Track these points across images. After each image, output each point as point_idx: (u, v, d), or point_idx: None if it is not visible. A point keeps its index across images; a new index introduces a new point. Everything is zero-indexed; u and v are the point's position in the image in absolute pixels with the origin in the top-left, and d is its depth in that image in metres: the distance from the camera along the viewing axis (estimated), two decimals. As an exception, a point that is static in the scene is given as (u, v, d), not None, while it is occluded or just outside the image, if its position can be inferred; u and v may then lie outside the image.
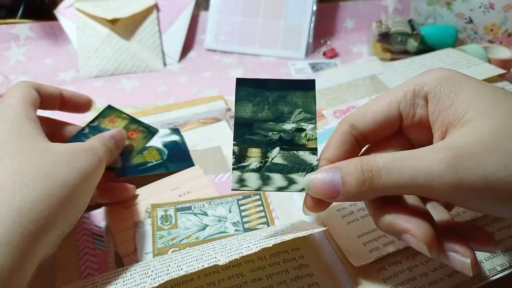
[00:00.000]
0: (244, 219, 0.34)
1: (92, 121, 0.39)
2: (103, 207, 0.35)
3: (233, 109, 0.48)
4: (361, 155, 0.27)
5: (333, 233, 0.32)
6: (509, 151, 0.20)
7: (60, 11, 0.66)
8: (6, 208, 0.22)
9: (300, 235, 0.26)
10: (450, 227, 0.26)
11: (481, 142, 0.21)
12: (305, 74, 0.64)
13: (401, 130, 0.27)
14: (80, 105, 0.37)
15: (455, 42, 0.63)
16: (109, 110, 0.41)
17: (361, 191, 0.23)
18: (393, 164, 0.22)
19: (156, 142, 0.42)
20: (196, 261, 0.25)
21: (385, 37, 0.64)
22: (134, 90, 0.61)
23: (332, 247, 0.31)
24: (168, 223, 0.33)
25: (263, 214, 0.35)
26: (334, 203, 0.34)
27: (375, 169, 0.22)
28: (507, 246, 0.30)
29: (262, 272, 0.28)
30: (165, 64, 0.67)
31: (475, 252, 0.23)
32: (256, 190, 0.26)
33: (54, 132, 0.35)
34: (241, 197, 0.36)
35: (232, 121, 0.42)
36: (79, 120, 0.41)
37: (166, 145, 0.42)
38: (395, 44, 0.64)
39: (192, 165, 0.40)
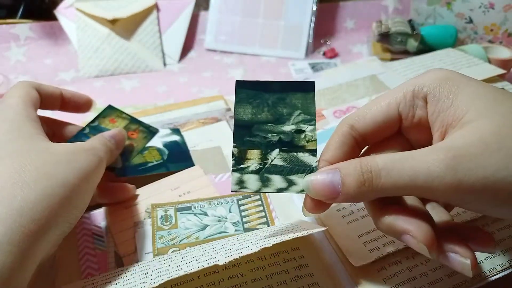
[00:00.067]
0: (244, 219, 0.34)
1: (93, 121, 0.39)
2: (103, 207, 0.35)
3: (233, 109, 0.48)
4: (361, 156, 0.27)
5: (333, 233, 0.32)
6: (509, 151, 0.20)
7: (60, 11, 0.66)
8: (7, 208, 0.22)
9: (300, 235, 0.26)
10: (450, 227, 0.26)
11: (481, 143, 0.21)
12: (305, 74, 0.64)
13: (401, 131, 0.27)
14: (80, 105, 0.37)
15: (455, 42, 0.63)
16: (110, 110, 0.41)
17: (361, 192, 0.23)
18: (393, 165, 0.22)
19: (157, 142, 0.42)
20: (196, 261, 0.25)
21: (385, 37, 0.64)
22: (134, 90, 0.61)
23: (332, 247, 0.31)
24: (168, 223, 0.33)
25: (263, 214, 0.35)
26: (334, 204, 0.34)
27: (374, 170, 0.22)
28: (507, 246, 0.30)
29: (262, 272, 0.28)
30: (165, 64, 0.67)
31: (475, 252, 0.23)
32: (256, 192, 0.26)
33: (55, 132, 0.35)
34: (241, 197, 0.36)
35: (232, 121, 0.42)
36: (79, 120, 0.41)
37: (166, 145, 0.42)
38: (395, 44, 0.64)
39: (193, 165, 0.40)
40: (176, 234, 0.33)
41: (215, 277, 0.28)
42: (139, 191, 0.37)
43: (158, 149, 0.41)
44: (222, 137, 0.45)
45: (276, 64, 0.67)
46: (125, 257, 0.31)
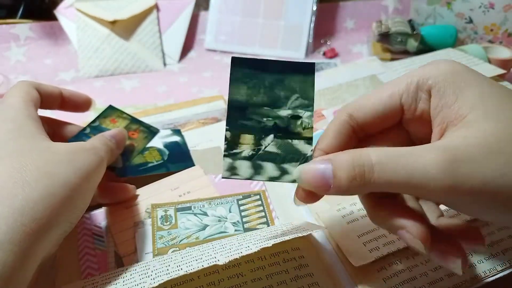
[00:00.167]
0: (244, 219, 0.34)
1: (93, 121, 0.39)
2: (103, 207, 0.35)
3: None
4: (358, 146, 0.26)
5: (333, 233, 0.32)
6: (510, 156, 0.20)
7: (60, 11, 0.66)
8: (8, 207, 0.22)
9: (300, 235, 0.26)
10: (441, 224, 0.26)
11: (483, 146, 0.20)
12: (305, 74, 0.64)
13: (401, 123, 0.26)
14: (79, 104, 0.37)
15: (455, 42, 0.63)
16: (110, 110, 0.41)
17: (352, 186, 0.22)
18: (387, 160, 0.21)
19: (157, 142, 0.42)
20: (196, 261, 0.25)
21: (385, 37, 0.64)
22: (134, 90, 0.61)
23: (332, 247, 0.31)
24: (168, 223, 0.33)
25: (263, 214, 0.35)
26: (335, 202, 0.34)
27: (367, 164, 0.21)
28: (507, 246, 0.30)
29: (262, 272, 0.28)
30: (165, 64, 0.67)
31: (470, 251, 0.23)
32: (247, 179, 0.25)
33: (55, 131, 0.35)
34: (241, 197, 0.36)
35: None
36: (79, 120, 0.41)
37: (167, 145, 0.42)
38: (395, 44, 0.64)
39: (193, 165, 0.40)
40: (176, 234, 0.33)
41: (215, 277, 0.28)
42: (139, 191, 0.37)
43: (159, 150, 0.41)
44: (222, 137, 0.44)
45: (276, 64, 0.67)
46: (125, 257, 0.31)
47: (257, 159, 0.25)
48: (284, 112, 0.26)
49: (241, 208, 0.35)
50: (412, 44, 0.62)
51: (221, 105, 0.51)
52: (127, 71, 0.65)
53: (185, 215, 0.34)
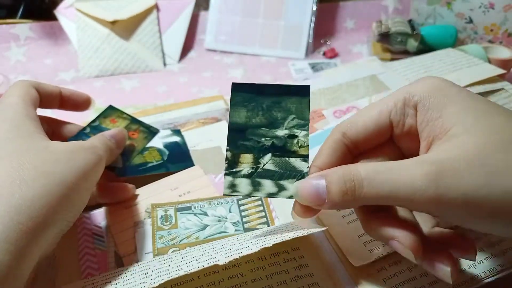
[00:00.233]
0: (244, 219, 0.34)
1: (93, 121, 0.39)
2: (103, 207, 0.35)
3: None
4: (353, 162, 0.27)
5: (333, 233, 0.32)
6: (491, 168, 0.20)
7: (60, 11, 0.66)
8: (5, 206, 0.22)
9: (300, 235, 0.26)
10: (433, 234, 0.26)
11: (464, 159, 0.21)
12: (305, 74, 0.64)
13: (392, 139, 0.27)
14: (79, 103, 0.37)
15: (455, 42, 0.63)
16: (110, 110, 0.41)
17: (345, 201, 0.23)
18: (375, 175, 0.22)
19: (157, 142, 0.42)
20: (196, 261, 0.25)
21: (385, 37, 0.64)
22: (134, 90, 0.61)
23: (332, 247, 0.31)
24: (168, 223, 0.33)
25: (263, 214, 0.35)
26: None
27: (357, 179, 0.23)
28: (507, 246, 0.30)
29: (262, 272, 0.28)
30: (165, 64, 0.67)
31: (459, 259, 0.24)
32: (247, 196, 0.26)
33: (54, 131, 0.35)
34: (241, 197, 0.36)
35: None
36: (79, 120, 0.41)
37: (167, 146, 0.42)
38: (395, 44, 0.64)
39: (193, 165, 0.40)
40: (176, 234, 0.32)
41: (215, 277, 0.28)
42: (139, 191, 0.37)
43: (159, 150, 0.41)
44: (222, 137, 0.45)
45: (276, 64, 0.67)
46: (125, 257, 0.31)
47: (256, 176, 0.26)
48: (281, 132, 0.27)
49: (241, 208, 0.35)
50: (412, 44, 0.62)
51: (221, 105, 0.51)
52: (127, 71, 0.65)
53: (185, 215, 0.34)
